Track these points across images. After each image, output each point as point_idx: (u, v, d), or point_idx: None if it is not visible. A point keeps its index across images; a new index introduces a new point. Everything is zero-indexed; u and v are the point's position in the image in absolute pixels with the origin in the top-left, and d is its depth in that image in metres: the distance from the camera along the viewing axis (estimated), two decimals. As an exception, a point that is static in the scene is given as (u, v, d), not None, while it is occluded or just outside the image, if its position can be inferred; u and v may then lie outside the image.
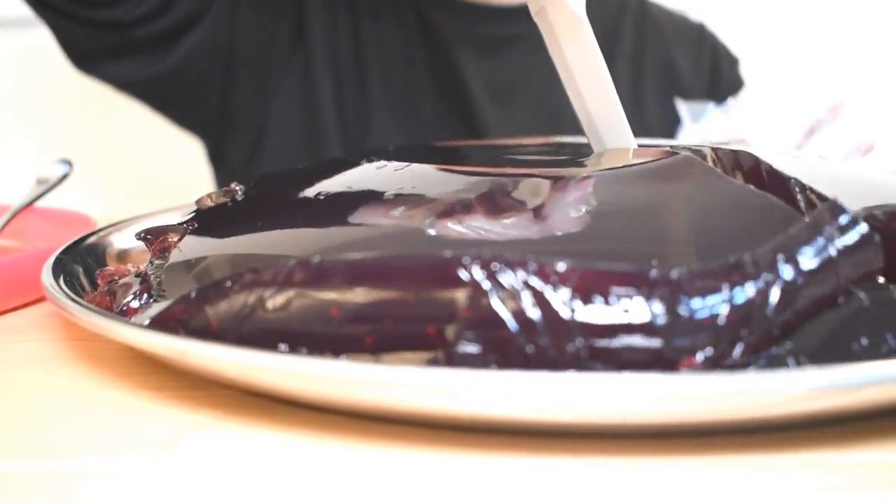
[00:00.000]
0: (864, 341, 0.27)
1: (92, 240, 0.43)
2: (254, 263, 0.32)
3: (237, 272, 0.29)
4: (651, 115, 0.91)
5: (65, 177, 0.56)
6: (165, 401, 0.31)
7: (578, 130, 0.90)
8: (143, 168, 1.26)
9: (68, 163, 0.57)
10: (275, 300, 0.28)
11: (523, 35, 0.87)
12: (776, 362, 0.27)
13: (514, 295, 0.26)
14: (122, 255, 0.43)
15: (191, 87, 0.81)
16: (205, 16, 0.76)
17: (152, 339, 0.29)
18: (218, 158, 0.90)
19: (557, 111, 0.88)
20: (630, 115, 0.88)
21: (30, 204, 0.52)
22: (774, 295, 0.27)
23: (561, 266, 0.26)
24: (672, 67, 0.93)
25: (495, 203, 0.32)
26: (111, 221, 0.50)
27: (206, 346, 0.27)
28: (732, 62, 0.96)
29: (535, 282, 0.26)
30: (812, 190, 0.33)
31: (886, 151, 0.62)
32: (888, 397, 0.25)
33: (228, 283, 0.29)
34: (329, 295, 0.28)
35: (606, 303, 0.26)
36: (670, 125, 0.88)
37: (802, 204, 0.33)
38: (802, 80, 0.63)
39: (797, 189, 0.33)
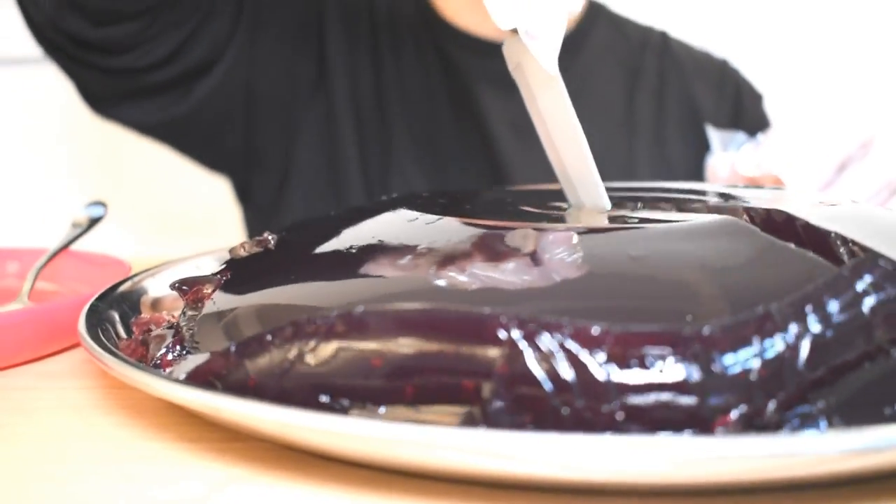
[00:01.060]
0: (898, 405, 0.27)
1: (126, 286, 0.44)
2: (289, 318, 0.32)
3: (277, 326, 0.30)
4: (673, 150, 0.91)
5: (99, 219, 0.57)
6: (202, 453, 0.31)
7: (600, 165, 0.90)
8: (173, 204, 1.27)
9: (102, 204, 0.58)
10: (316, 352, 0.29)
11: None
12: (808, 421, 0.27)
13: (549, 356, 0.26)
14: (157, 303, 0.44)
15: (211, 128, 0.81)
16: (218, 62, 0.76)
17: (188, 395, 0.29)
18: (245, 196, 0.91)
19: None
20: (652, 149, 0.89)
21: (66, 247, 0.53)
22: (805, 349, 0.27)
23: (595, 329, 0.27)
24: (694, 102, 0.93)
25: (531, 257, 0.33)
26: (143, 262, 0.51)
27: (239, 402, 0.28)
28: (756, 98, 0.96)
29: (571, 344, 0.26)
30: (855, 242, 0.32)
31: None
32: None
33: (269, 337, 0.30)
34: (371, 346, 0.28)
35: (641, 364, 0.26)
36: (693, 160, 0.88)
37: (846, 257, 0.32)
38: (833, 116, 0.63)
39: (839, 242, 0.33)
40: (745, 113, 0.94)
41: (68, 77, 0.72)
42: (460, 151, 0.86)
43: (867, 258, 0.30)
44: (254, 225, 0.91)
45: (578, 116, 0.91)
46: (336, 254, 0.37)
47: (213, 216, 1.14)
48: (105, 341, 0.36)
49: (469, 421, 0.27)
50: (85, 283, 0.51)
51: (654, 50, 0.95)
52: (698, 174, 0.87)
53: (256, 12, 0.79)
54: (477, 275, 0.32)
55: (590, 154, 0.42)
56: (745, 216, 0.37)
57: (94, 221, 0.56)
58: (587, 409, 0.26)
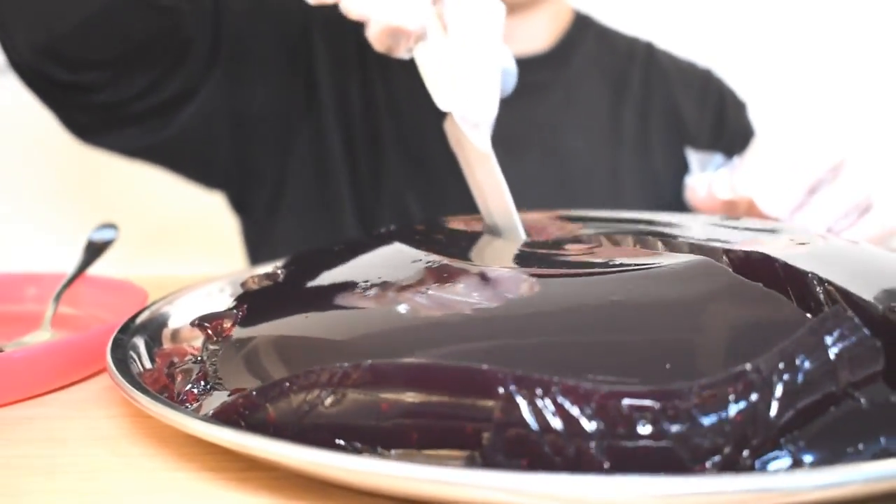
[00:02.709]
0: (861, 446, 0.30)
1: (146, 315, 0.46)
2: (304, 357, 0.35)
3: (295, 373, 0.32)
4: (658, 161, 0.93)
5: (111, 241, 0.59)
6: (226, 483, 0.34)
7: (587, 177, 0.92)
8: (168, 215, 1.29)
9: (113, 227, 0.61)
10: (330, 398, 0.32)
11: (529, 86, 0.90)
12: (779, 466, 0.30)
13: (542, 408, 0.29)
14: (176, 334, 0.46)
15: (198, 150, 0.83)
16: (199, 90, 0.78)
17: (221, 434, 0.32)
18: (241, 208, 0.93)
19: (565, 159, 0.91)
20: (637, 160, 0.91)
21: (82, 272, 0.56)
22: (776, 400, 0.30)
23: (584, 387, 0.29)
24: (678, 112, 0.95)
25: (514, 303, 0.36)
26: (149, 281, 0.53)
27: (270, 442, 0.30)
28: (739, 107, 0.98)
29: (561, 399, 0.29)
30: (830, 283, 0.35)
31: (884, 211, 0.65)
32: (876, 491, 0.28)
33: (287, 383, 0.33)
34: (379, 394, 0.31)
35: (625, 417, 0.29)
36: (677, 171, 0.91)
37: (822, 297, 0.35)
38: (804, 140, 0.66)
39: (815, 283, 0.36)
40: (728, 122, 0.96)
41: (50, 110, 0.74)
42: (450, 165, 0.88)
43: (834, 312, 0.33)
44: (251, 235, 0.94)
45: (565, 128, 0.94)
46: (341, 289, 0.40)
47: (209, 226, 1.16)
48: (132, 373, 0.39)
49: (470, 463, 0.30)
50: (103, 308, 0.54)
51: (640, 61, 0.97)
52: (682, 184, 0.89)
53: (236, 46, 0.81)
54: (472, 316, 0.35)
55: (517, 214, 0.50)
56: (724, 258, 0.40)
57: (105, 245, 0.58)
58: (576, 455, 0.29)
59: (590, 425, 0.29)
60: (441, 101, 0.47)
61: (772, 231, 0.46)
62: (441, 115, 0.49)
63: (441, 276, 0.39)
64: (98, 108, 0.72)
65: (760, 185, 0.63)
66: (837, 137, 0.64)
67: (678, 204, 0.85)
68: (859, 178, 0.63)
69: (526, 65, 0.91)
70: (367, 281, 0.39)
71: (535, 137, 0.91)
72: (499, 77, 0.46)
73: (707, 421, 0.29)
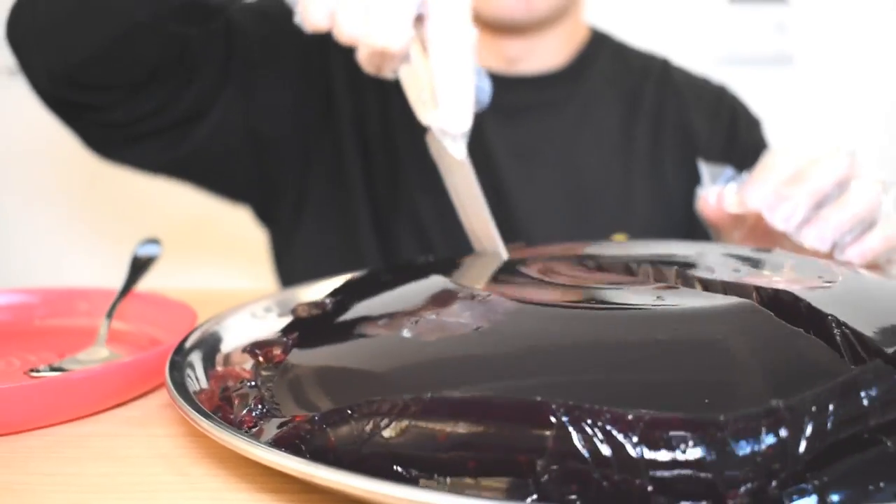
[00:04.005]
0: (882, 484, 0.32)
1: (197, 335, 0.49)
2: (361, 388, 0.38)
3: (356, 402, 0.35)
4: (670, 176, 0.94)
5: (155, 257, 0.61)
6: (285, 504, 0.36)
7: (599, 192, 0.93)
8: (196, 223, 1.30)
9: (157, 242, 0.63)
10: (391, 427, 0.34)
11: (544, 103, 0.93)
12: (804, 496, 0.32)
13: (592, 437, 0.32)
14: (227, 357, 0.49)
15: (218, 165, 0.86)
16: (211, 108, 0.80)
17: (286, 462, 0.34)
18: (265, 219, 0.95)
19: (578, 172, 0.92)
20: (649, 176, 0.93)
21: (130, 288, 0.58)
22: (805, 438, 0.32)
23: (630, 415, 0.32)
24: (690, 129, 0.96)
25: (565, 339, 0.38)
26: (186, 293, 0.55)
27: (333, 472, 0.33)
28: (752, 124, 0.99)
29: (610, 427, 0.32)
30: (847, 326, 0.38)
31: (888, 226, 0.66)
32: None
33: (349, 411, 0.35)
34: (438, 426, 0.33)
35: (667, 445, 0.32)
36: (689, 186, 0.92)
37: (838, 339, 0.38)
38: (810, 155, 0.67)
39: (834, 325, 0.38)
40: (740, 139, 0.97)
41: (68, 128, 0.77)
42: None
43: (874, 368, 0.34)
44: (275, 245, 0.96)
45: (579, 145, 0.96)
46: (393, 320, 0.42)
47: (238, 234, 1.18)
48: (192, 396, 0.41)
49: (524, 490, 0.32)
50: (153, 325, 0.56)
51: (655, 78, 0.98)
52: (693, 198, 0.91)
53: (249, 64, 0.83)
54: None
55: (490, 216, 0.56)
56: (755, 295, 0.42)
57: (150, 260, 0.61)
58: (623, 482, 0.32)
59: (635, 452, 0.32)
60: (423, 116, 0.53)
61: (804, 267, 0.49)
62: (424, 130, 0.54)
63: (490, 311, 0.41)
64: (113, 126, 0.75)
65: (768, 200, 0.65)
66: (844, 153, 0.65)
67: (689, 219, 0.87)
68: (864, 194, 0.64)
69: (541, 82, 0.94)
70: (417, 312, 0.42)
71: (549, 153, 0.93)
72: (473, 93, 0.51)
73: (740, 451, 0.32)
